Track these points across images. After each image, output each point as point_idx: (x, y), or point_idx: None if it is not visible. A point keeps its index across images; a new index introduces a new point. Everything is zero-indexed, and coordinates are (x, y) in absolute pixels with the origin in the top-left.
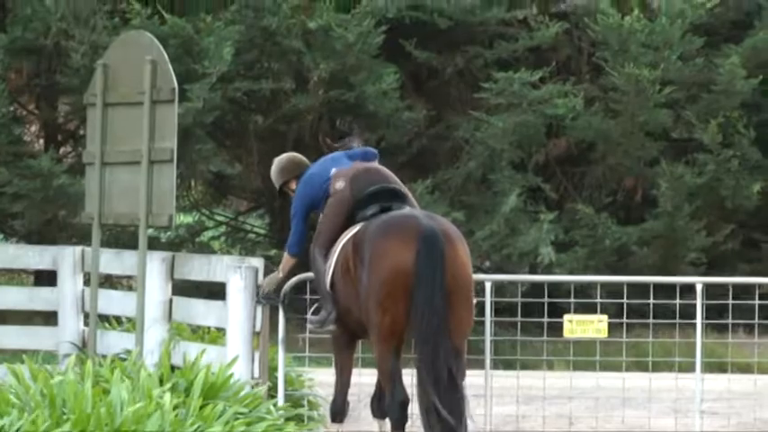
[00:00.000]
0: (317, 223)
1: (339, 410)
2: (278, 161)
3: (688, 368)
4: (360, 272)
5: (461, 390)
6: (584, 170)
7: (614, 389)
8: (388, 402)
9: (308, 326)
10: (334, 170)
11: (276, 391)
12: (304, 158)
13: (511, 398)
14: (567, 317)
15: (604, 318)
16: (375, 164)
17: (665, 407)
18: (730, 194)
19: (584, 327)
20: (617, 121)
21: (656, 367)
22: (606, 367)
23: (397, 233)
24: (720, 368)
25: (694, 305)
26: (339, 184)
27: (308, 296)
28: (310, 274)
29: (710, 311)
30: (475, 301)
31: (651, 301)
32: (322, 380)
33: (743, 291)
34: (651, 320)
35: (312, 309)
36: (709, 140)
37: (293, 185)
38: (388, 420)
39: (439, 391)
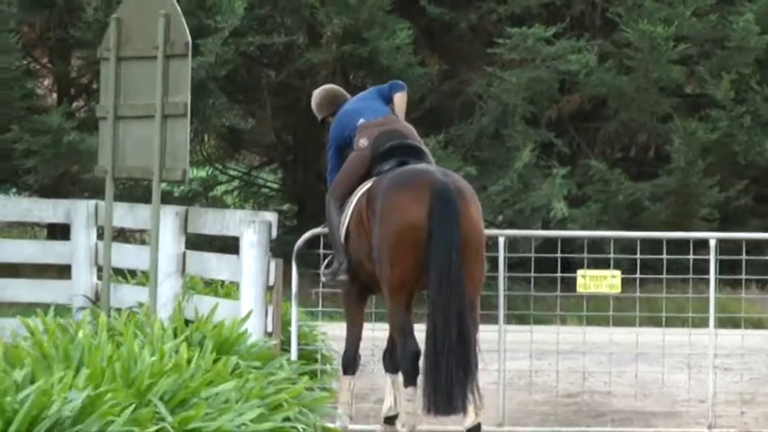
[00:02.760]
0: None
1: (350, 363)
2: (315, 95)
3: (701, 323)
4: (372, 224)
5: (474, 347)
6: (598, 126)
7: (627, 344)
8: (400, 355)
9: (322, 279)
10: (362, 120)
11: (289, 346)
12: (340, 92)
13: (524, 352)
14: (580, 272)
15: (617, 273)
16: (400, 124)
17: (678, 362)
18: (743, 150)
19: (598, 282)
20: (630, 77)
21: (670, 322)
22: (619, 322)
23: (410, 187)
24: (733, 323)
25: (707, 260)
26: (362, 142)
27: (321, 251)
28: (322, 230)
29: (723, 267)
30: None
31: (664, 256)
32: (335, 334)
33: (756, 246)
34: (664, 276)
35: (325, 262)
36: (722, 96)
37: (330, 119)
38: (400, 375)
39: (451, 349)
